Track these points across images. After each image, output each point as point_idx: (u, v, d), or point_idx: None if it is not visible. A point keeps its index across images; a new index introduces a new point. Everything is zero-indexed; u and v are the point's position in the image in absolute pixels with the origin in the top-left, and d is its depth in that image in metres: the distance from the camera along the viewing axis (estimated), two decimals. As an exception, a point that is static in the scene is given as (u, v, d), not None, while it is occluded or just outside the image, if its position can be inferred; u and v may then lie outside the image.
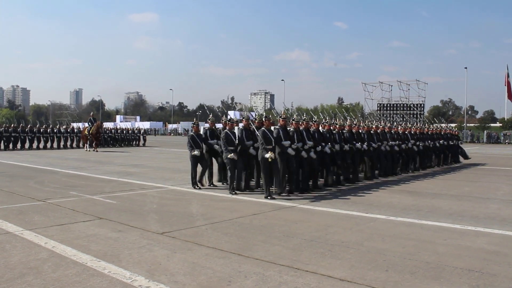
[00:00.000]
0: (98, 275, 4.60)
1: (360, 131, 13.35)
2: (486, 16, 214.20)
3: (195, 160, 11.24)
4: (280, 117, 10.40)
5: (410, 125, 17.59)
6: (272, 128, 10.19)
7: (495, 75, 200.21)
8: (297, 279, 4.54)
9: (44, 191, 10.43)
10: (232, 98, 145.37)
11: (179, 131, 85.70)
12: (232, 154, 10.30)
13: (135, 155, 24.78)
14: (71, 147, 31.98)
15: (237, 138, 10.75)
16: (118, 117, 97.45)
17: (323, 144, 11.34)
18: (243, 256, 5.34)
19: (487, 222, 7.46)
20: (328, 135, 11.76)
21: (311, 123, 11.76)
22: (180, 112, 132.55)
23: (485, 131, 57.68)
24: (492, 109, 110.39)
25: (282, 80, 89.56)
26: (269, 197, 9.57)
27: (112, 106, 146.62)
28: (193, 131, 11.67)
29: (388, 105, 58.45)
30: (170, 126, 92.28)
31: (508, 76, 67.60)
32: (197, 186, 11.20)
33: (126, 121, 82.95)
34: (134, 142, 37.16)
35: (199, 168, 11.43)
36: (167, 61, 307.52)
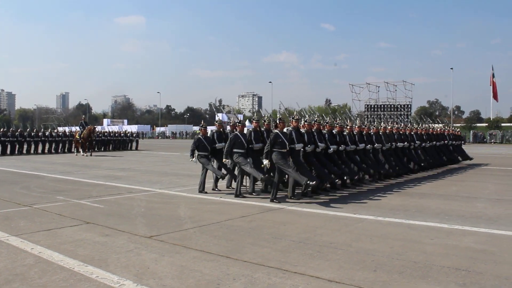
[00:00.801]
0: (86, 280, 4.56)
1: (370, 132, 13.26)
2: (472, 17, 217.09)
3: (206, 165, 10.94)
4: (293, 118, 10.13)
5: (416, 126, 17.50)
6: (285, 130, 9.89)
7: (481, 76, 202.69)
8: (286, 280, 4.54)
9: (31, 196, 10.32)
10: (220, 101, 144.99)
11: (167, 134, 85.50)
12: (227, 160, 10.19)
13: (124, 159, 24.64)
14: (62, 151, 31.45)
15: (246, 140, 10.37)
16: (105, 121, 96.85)
17: (335, 146, 11.08)
18: (232, 258, 5.33)
19: (474, 221, 7.53)
20: (338, 136, 11.50)
21: (324, 124, 11.61)
22: (167, 115, 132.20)
23: (471, 131, 58.24)
24: (478, 109, 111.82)
25: (270, 82, 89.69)
26: (275, 200, 9.37)
27: (99, 110, 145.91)
28: (200, 134, 11.35)
29: (376, 106, 58.79)
30: (158, 129, 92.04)
31: (493, 77, 68.47)
32: (202, 190, 10.87)
33: (113, 125, 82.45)
34: (126, 146, 36.72)
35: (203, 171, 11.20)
36: (154, 64, 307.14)
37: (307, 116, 12.75)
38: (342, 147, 11.30)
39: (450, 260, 5.25)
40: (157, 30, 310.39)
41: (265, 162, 9.48)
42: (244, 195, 10.24)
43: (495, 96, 70.09)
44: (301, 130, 10.26)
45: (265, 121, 11.00)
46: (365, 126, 13.41)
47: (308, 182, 9.09)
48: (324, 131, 11.11)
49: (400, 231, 6.86)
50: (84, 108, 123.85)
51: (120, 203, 9.49)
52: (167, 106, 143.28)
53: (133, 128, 55.13)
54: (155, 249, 5.76)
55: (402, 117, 46.10)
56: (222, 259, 5.29)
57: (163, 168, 18.48)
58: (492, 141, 53.37)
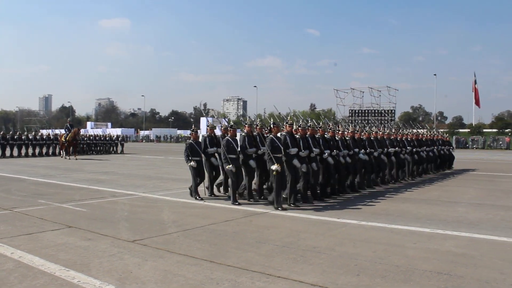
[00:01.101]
0: (67, 285, 4.51)
1: (362, 137, 13.16)
2: (453, 24, 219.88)
3: (195, 170, 10.54)
4: (287, 123, 10.02)
5: (406, 131, 17.28)
6: (279, 135, 9.73)
7: (463, 82, 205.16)
8: (269, 285, 4.55)
9: (11, 200, 10.18)
10: (205, 105, 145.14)
11: (151, 138, 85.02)
12: (230, 166, 9.71)
13: (109, 162, 24.41)
14: (47, 154, 30.80)
15: (239, 145, 10.16)
16: (89, 124, 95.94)
17: (329, 151, 10.82)
18: (215, 263, 5.32)
19: (455, 225, 7.61)
20: (332, 142, 11.25)
21: (317, 129, 11.23)
22: (152, 119, 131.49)
23: (454, 137, 58.92)
24: (460, 115, 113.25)
25: (255, 86, 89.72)
26: (280, 208, 9.07)
27: (83, 113, 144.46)
28: (191, 138, 11.04)
29: (360, 111, 59.18)
30: (142, 133, 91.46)
31: (475, 83, 69.45)
32: (199, 197, 10.47)
33: (97, 128, 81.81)
34: (111, 149, 36.12)
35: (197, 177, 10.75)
36: (138, 68, 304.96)
37: (300, 121, 12.59)
38: (335, 152, 11.11)
39: (431, 264, 5.30)
40: (141, 34, 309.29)
41: (275, 167, 9.05)
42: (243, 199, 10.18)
43: (477, 102, 71.11)
44: (295, 135, 10.05)
45: (257, 125, 10.84)
46: (357, 131, 13.23)
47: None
48: (317, 136, 10.95)
49: (383, 235, 6.91)
50: (67, 111, 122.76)
51: (103, 207, 9.41)
52: (152, 110, 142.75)
53: (117, 132, 54.63)
54: (138, 254, 5.72)
55: (389, 122, 46.46)
56: (205, 264, 5.28)
57: (147, 171, 18.37)
58: (474, 146, 54.05)
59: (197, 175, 10.58)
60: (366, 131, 13.87)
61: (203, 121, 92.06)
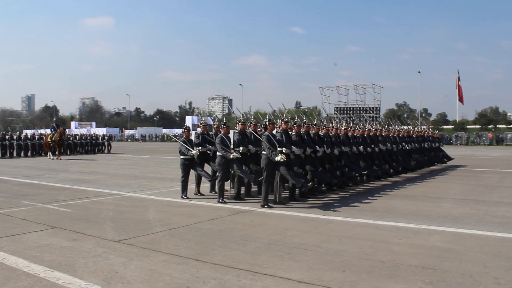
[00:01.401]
0: (52, 286, 4.47)
1: (355, 134, 13.12)
2: (438, 22, 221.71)
3: (186, 168, 10.40)
4: (282, 120, 9.95)
5: (398, 128, 17.37)
6: (274, 132, 9.66)
7: (447, 79, 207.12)
8: (256, 282, 4.55)
9: (-6, 201, 10.05)
10: (190, 103, 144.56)
11: (136, 137, 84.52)
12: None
13: (95, 162, 24.20)
14: (33, 155, 30.23)
15: (232, 142, 10.06)
16: (73, 123, 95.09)
17: (322, 148, 10.81)
18: (201, 261, 5.30)
19: (440, 221, 7.69)
20: (326, 139, 11.27)
21: (311, 126, 11.24)
22: (137, 118, 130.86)
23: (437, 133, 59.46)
24: (444, 111, 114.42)
25: (240, 84, 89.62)
26: (266, 206, 9.07)
27: (67, 112, 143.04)
28: (183, 136, 10.93)
29: (345, 108, 59.42)
30: (127, 132, 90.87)
31: (459, 80, 70.15)
32: (185, 196, 10.31)
33: (81, 128, 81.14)
34: (99, 149, 35.57)
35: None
36: (123, 66, 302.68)
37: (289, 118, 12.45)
38: (329, 150, 11.14)
39: (417, 259, 5.35)
40: (127, 32, 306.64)
41: (279, 157, 8.97)
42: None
43: (461, 99, 71.83)
44: (290, 132, 10.04)
45: (251, 122, 10.70)
46: (351, 128, 13.24)
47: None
48: (313, 133, 10.98)
49: (368, 231, 6.95)
50: (51, 111, 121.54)
51: (88, 207, 9.33)
52: (137, 109, 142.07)
53: (102, 131, 54.19)
54: (124, 253, 5.68)
55: (378, 119, 46.72)
56: (191, 262, 5.26)
57: (132, 171, 18.26)
58: (458, 142, 54.66)
59: (187, 173, 10.45)
60: (360, 128, 13.81)
61: (188, 119, 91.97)
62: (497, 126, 79.50)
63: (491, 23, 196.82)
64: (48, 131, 31.24)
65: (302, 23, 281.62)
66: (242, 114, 12.15)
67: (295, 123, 10.40)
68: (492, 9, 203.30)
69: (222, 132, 10.12)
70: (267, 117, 11.35)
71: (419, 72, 67.56)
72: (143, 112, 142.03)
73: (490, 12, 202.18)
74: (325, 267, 5.06)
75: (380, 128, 15.34)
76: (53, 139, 26.75)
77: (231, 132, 10.51)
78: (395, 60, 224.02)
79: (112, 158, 28.29)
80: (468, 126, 74.90)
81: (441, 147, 21.23)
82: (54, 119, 37.08)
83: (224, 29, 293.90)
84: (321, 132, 11.38)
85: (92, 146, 35.14)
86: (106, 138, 37.24)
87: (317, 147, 10.59)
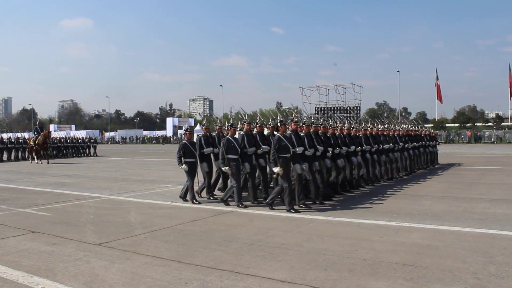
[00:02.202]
0: (31, 291, 4.40)
1: (358, 134, 12.53)
2: (416, 22, 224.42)
3: (192, 171, 10.02)
4: (292, 120, 9.42)
5: (398, 127, 16.80)
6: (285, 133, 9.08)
7: (426, 78, 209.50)
8: (238, 283, 4.55)
9: (-29, 206, 9.86)
10: (171, 105, 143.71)
11: (117, 140, 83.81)
12: (227, 168, 9.25)
13: (82, 166, 23.91)
14: (16, 159, 29.49)
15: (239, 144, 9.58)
16: (51, 126, 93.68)
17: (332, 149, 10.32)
18: (184, 263, 5.28)
19: (420, 218, 7.78)
20: (332, 139, 10.67)
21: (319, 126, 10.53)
22: (117, 120, 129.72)
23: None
24: (424, 110, 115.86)
25: (221, 85, 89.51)
26: (292, 210, 8.53)
27: (45, 115, 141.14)
28: (185, 138, 10.46)
29: (326, 108, 59.76)
30: (107, 135, 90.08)
31: (437, 79, 71.15)
32: (196, 201, 9.92)
33: (60, 130, 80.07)
34: (84, 152, 34.89)
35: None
36: (102, 68, 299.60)
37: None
38: (337, 150, 10.63)
39: (398, 256, 5.40)
40: (105, 34, 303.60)
41: (277, 169, 8.52)
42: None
43: (439, 98, 72.81)
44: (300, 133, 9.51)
45: (257, 123, 10.34)
46: (353, 127, 12.67)
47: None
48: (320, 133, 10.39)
49: (350, 230, 7.00)
50: (28, 114, 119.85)
51: (68, 210, 9.22)
52: (117, 111, 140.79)
53: (82, 134, 53.54)
54: (105, 256, 5.63)
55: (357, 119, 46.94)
56: (173, 264, 5.24)
57: (112, 174, 18.10)
58: (438, 141, 55.39)
59: (192, 177, 10.04)
60: (362, 128, 13.20)
61: (169, 121, 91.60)
62: (475, 124, 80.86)
63: (467, 23, 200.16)
64: (27, 134, 30.68)
65: (282, 23, 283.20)
66: (247, 115, 11.66)
67: (304, 123, 9.90)
68: (467, 9, 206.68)
69: (229, 134, 9.67)
70: (279, 117, 10.86)
71: (398, 71, 68.55)
72: (123, 114, 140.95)
73: (465, 12, 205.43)
74: (307, 266, 5.07)
75: (382, 127, 14.84)
76: (36, 142, 25.94)
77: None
78: (374, 59, 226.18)
79: (93, 160, 28.00)
80: (447, 125, 75.99)
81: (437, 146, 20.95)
82: (38, 121, 35.94)
83: (204, 30, 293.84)
84: (327, 132, 10.79)
85: (77, 149, 34.50)
86: (92, 141, 36.57)
87: (322, 147, 9.89)
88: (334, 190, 10.54)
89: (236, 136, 9.84)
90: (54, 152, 31.98)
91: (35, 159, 26.39)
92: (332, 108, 59.08)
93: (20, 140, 30.72)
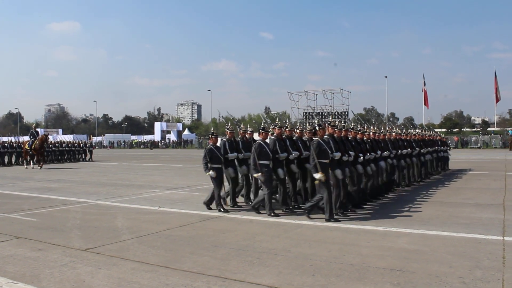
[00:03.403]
0: (15, 298, 4.35)
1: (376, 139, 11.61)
2: (404, 28, 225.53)
3: (219, 177, 9.49)
4: (329, 124, 9.01)
5: (413, 132, 16.11)
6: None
7: (414, 84, 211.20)
8: (226, 288, 4.53)
9: (-45, 211, 9.73)
10: (159, 109, 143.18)
11: (104, 144, 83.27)
12: (259, 174, 8.79)
13: (79, 170, 23.69)
14: (9, 164, 28.42)
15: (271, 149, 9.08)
16: (38, 131, 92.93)
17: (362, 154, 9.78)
18: (171, 268, 5.25)
19: (407, 223, 7.82)
20: (362, 144, 10.15)
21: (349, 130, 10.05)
22: (105, 124, 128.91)
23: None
24: (411, 115, 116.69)
25: (209, 90, 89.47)
26: (332, 220, 8.06)
27: (32, 119, 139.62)
28: (210, 142, 9.88)
29: (314, 113, 59.95)
30: (95, 139, 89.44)
31: (424, 85, 71.72)
32: (223, 209, 9.33)
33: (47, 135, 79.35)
34: (80, 157, 33.77)
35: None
36: (90, 72, 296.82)
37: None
38: (368, 156, 10.12)
39: (385, 261, 5.42)
40: (93, 37, 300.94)
41: (319, 175, 8.09)
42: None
43: (426, 103, 73.38)
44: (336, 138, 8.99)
45: (297, 128, 9.94)
46: (375, 132, 11.76)
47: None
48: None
49: (337, 235, 7.01)
50: (14, 118, 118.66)
51: (54, 215, 9.14)
52: (104, 115, 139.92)
53: (69, 138, 53.05)
54: (91, 262, 5.58)
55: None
56: (161, 270, 5.21)
57: (99, 178, 17.97)
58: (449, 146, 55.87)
59: (219, 184, 9.50)
60: (382, 132, 12.37)
61: (157, 126, 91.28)
62: (462, 129, 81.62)
63: (454, 29, 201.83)
64: (13, 138, 30.10)
65: (271, 28, 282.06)
66: (278, 118, 11.00)
67: (335, 127, 9.16)
68: (455, 15, 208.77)
69: (261, 138, 9.20)
70: (316, 121, 10.09)
71: (386, 76, 68.92)
72: (111, 118, 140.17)
73: (453, 18, 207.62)
74: (295, 272, 5.07)
75: (398, 131, 14.06)
76: (32, 146, 24.86)
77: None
78: (363, 65, 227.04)
79: (87, 165, 27.74)
80: (434, 130, 76.49)
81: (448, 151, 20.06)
82: (34, 125, 34.57)
83: (193, 35, 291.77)
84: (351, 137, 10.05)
85: (73, 154, 33.39)
86: (87, 145, 35.61)
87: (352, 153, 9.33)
88: (364, 198, 10.10)
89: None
90: (51, 157, 30.87)
91: (31, 163, 25.35)
92: (320, 113, 59.33)
93: (14, 145, 29.46)
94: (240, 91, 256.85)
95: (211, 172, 9.34)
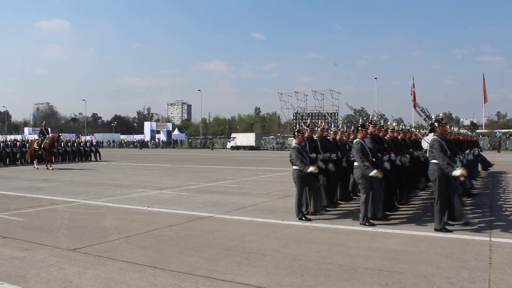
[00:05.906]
0: (1, 298, 4.31)
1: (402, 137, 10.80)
2: (394, 30, 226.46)
3: (303, 182, 8.41)
4: (370, 123, 8.59)
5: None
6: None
7: (403, 85, 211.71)
8: (214, 289, 4.52)
9: None
10: (149, 109, 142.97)
11: (93, 143, 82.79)
12: (312, 168, 8.11)
13: (90, 171, 23.48)
14: (15, 163, 27.21)
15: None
16: (26, 129, 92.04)
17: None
18: (159, 268, 5.23)
19: (396, 224, 7.85)
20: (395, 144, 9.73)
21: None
22: (94, 124, 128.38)
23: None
24: (401, 117, 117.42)
25: (199, 90, 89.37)
26: (367, 223, 7.69)
27: (20, 118, 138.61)
28: (295, 141, 8.72)
29: (304, 114, 60.15)
30: (84, 138, 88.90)
31: (413, 87, 72.16)
32: (305, 217, 8.31)
33: (35, 134, 78.73)
34: (86, 157, 32.14)
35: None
36: (80, 71, 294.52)
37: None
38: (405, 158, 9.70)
39: (373, 262, 5.45)
40: (83, 36, 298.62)
41: (374, 172, 7.63)
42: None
43: (415, 106, 73.86)
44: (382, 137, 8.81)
45: (318, 127, 9.57)
46: (399, 130, 10.84)
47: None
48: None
49: (326, 235, 7.03)
50: (2, 116, 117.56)
51: (41, 215, 9.06)
52: (94, 114, 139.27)
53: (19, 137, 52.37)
54: (79, 262, 5.54)
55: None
56: (149, 270, 5.19)
57: (88, 178, 17.85)
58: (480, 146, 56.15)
59: (302, 187, 8.49)
60: (408, 131, 11.70)
61: (147, 125, 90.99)
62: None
63: (444, 31, 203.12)
64: (18, 136, 28.95)
65: (262, 29, 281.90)
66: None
67: (375, 125, 8.73)
68: (445, 19, 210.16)
69: (360, 136, 8.18)
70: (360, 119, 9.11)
71: (376, 78, 69.28)
72: (100, 117, 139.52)
73: (443, 21, 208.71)
74: (283, 272, 5.08)
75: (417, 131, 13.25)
76: (42, 145, 23.29)
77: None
78: (353, 66, 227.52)
79: (95, 166, 27.54)
80: (423, 131, 76.90)
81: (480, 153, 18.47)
82: (44, 122, 32.05)
83: (184, 35, 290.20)
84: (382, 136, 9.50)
85: (80, 154, 31.83)
86: (94, 145, 34.52)
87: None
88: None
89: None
90: (60, 157, 29.69)
91: (34, 163, 24.24)
92: (310, 114, 59.54)
93: (18, 144, 28.02)
94: (231, 91, 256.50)
95: (312, 168, 8.17)
